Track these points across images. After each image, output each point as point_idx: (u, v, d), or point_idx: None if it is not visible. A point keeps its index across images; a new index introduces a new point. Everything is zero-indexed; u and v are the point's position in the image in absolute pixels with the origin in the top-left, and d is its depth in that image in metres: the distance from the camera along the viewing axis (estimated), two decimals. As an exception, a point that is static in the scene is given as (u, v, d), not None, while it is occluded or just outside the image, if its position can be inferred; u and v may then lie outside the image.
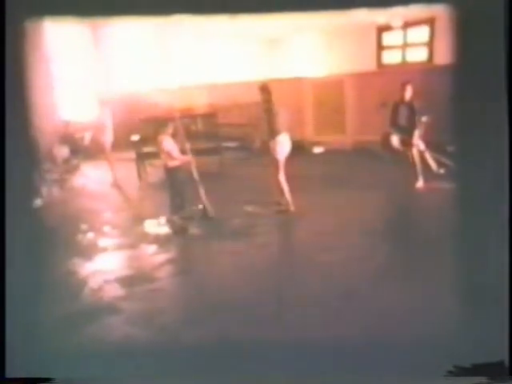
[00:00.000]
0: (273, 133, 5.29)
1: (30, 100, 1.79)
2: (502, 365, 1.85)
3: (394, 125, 6.24)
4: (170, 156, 4.99)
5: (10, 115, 1.65)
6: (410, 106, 6.05)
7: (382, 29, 10.41)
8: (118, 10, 1.95)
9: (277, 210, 5.52)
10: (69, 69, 9.32)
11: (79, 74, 9.66)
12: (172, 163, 5.04)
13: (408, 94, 6.06)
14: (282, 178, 5.39)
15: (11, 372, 1.89)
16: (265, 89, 5.34)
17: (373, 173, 6.68)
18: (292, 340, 2.39)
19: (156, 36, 9.96)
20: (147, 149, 7.49)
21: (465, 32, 1.79)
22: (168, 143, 4.98)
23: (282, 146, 5.32)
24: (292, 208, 5.45)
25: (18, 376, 1.90)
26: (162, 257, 4.45)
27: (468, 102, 1.83)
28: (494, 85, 1.78)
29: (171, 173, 5.09)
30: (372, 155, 7.09)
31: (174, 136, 5.09)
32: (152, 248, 4.70)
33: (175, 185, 5.12)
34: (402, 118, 6.15)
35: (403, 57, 10.44)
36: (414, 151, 6.09)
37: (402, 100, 6.13)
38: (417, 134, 6.06)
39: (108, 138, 7.27)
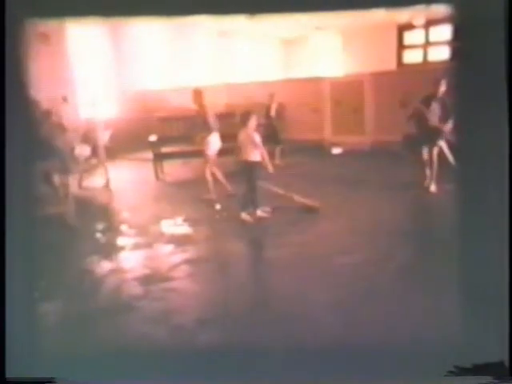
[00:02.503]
0: (205, 132, 6.07)
1: (31, 100, 1.80)
2: (502, 365, 1.85)
3: (422, 121, 6.00)
4: (252, 150, 5.05)
5: (11, 115, 1.66)
6: (443, 102, 5.80)
7: (403, 27, 10.26)
8: (137, 11, 1.94)
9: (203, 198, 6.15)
10: (89, 68, 9.45)
11: (99, 74, 9.80)
12: (253, 157, 5.08)
13: (442, 88, 5.80)
14: (208, 172, 6.17)
15: (11, 372, 1.88)
16: (198, 93, 6.16)
17: (392, 173, 6.57)
18: (301, 342, 2.38)
19: (174, 36, 10.03)
20: (165, 149, 7.54)
21: (465, 32, 1.78)
22: (257, 136, 5.07)
23: (212, 144, 6.16)
24: (215, 196, 6.08)
25: (19, 377, 1.89)
26: (178, 257, 4.45)
27: (468, 102, 1.82)
28: (494, 85, 1.77)
29: (250, 167, 5.11)
30: (391, 156, 6.97)
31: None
32: (169, 248, 4.71)
33: (252, 180, 5.17)
34: (433, 113, 5.88)
35: (425, 56, 10.27)
36: (435, 152, 5.94)
37: (434, 95, 5.84)
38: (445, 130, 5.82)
39: (102, 139, 7.34)
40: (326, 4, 1.94)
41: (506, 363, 1.83)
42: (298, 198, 5.48)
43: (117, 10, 1.89)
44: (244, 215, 5.25)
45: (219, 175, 6.34)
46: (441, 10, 1.89)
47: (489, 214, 1.81)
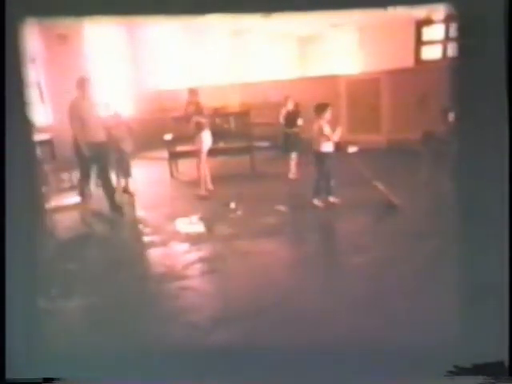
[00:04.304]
0: (198, 129, 6.42)
1: (31, 100, 1.83)
2: (502, 365, 1.84)
3: None
4: (324, 140, 5.35)
5: (10, 116, 1.70)
6: None
7: (422, 23, 10.06)
8: (151, 10, 1.95)
9: (197, 194, 6.47)
10: (105, 68, 9.58)
11: (115, 74, 9.92)
12: (325, 148, 5.39)
13: None
14: (203, 167, 6.51)
15: (11, 373, 1.89)
16: (193, 91, 6.62)
17: (409, 172, 6.48)
18: (309, 342, 2.38)
19: (189, 35, 10.08)
20: (181, 147, 7.60)
21: (466, 31, 1.77)
22: (327, 128, 5.37)
23: (205, 140, 6.49)
24: (206, 193, 6.42)
25: (19, 377, 1.90)
26: (193, 255, 4.49)
27: (468, 102, 1.81)
28: (494, 84, 1.76)
29: (322, 156, 5.43)
30: (409, 154, 6.87)
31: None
32: (184, 246, 4.76)
33: (324, 168, 5.45)
34: None
35: (444, 52, 10.05)
36: None
37: None
38: None
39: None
40: (342, 2, 1.93)
41: (506, 363, 1.82)
42: (382, 189, 5.51)
43: (131, 9, 1.91)
44: (316, 201, 5.56)
45: (207, 173, 6.66)
46: (443, 8, 1.88)
47: (489, 214, 1.79)
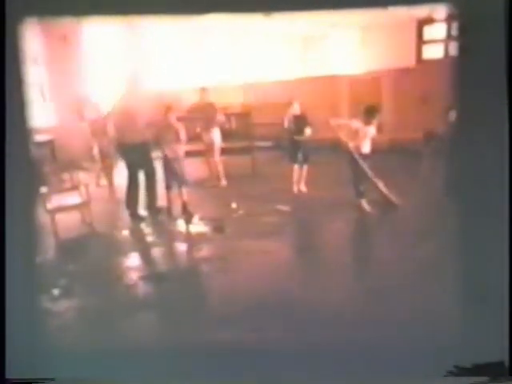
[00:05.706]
0: (210, 126, 6.81)
1: (30, 100, 1.83)
2: (502, 365, 1.83)
3: None
4: (364, 142, 5.33)
5: (10, 116, 1.70)
6: None
7: (423, 22, 10.04)
8: (150, 10, 1.95)
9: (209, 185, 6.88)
10: (106, 68, 9.59)
11: (115, 73, 9.92)
12: (363, 149, 5.36)
13: None
14: (217, 160, 6.96)
15: (11, 373, 1.89)
16: (204, 90, 6.88)
17: (410, 171, 6.47)
18: (310, 342, 2.38)
19: (191, 35, 10.08)
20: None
21: (466, 30, 1.78)
22: (373, 130, 5.39)
23: (216, 136, 6.93)
24: (223, 184, 6.86)
25: (19, 377, 1.90)
26: (194, 255, 4.49)
27: (469, 101, 1.80)
28: (495, 83, 1.75)
29: (361, 159, 5.34)
30: (410, 153, 6.86)
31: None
32: (184, 246, 4.77)
33: (360, 170, 5.36)
34: None
35: (446, 51, 10.02)
36: None
37: None
38: None
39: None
40: (343, 1, 1.93)
41: (506, 363, 1.82)
42: (382, 188, 5.45)
43: (131, 9, 1.91)
44: (364, 204, 5.39)
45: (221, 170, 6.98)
46: (444, 7, 1.88)
47: (488, 213, 1.79)
